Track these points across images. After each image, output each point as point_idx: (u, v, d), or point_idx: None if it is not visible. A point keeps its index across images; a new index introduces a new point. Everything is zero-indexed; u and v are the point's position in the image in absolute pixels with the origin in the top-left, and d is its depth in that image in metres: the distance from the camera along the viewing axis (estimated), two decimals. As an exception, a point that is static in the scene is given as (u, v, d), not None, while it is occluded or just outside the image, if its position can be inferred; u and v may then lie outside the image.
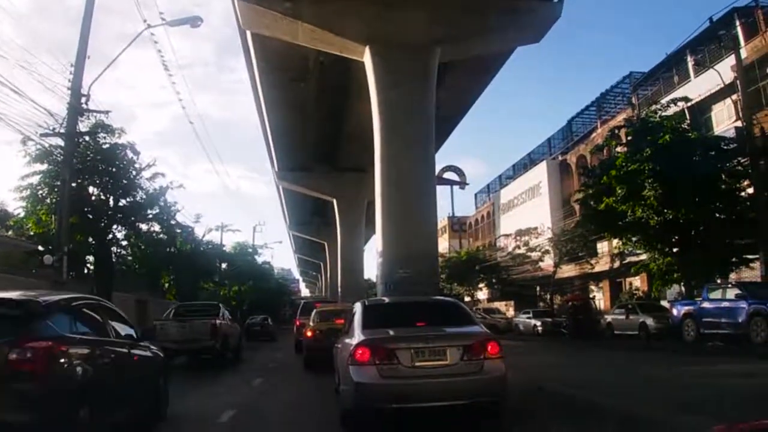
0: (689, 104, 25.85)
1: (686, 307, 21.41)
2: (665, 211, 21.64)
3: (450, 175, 64.80)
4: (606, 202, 22.74)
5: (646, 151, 21.41)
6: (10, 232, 21.35)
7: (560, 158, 49.31)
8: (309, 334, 17.76)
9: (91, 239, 19.85)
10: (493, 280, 49.18)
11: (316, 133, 37.40)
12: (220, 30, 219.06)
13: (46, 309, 6.22)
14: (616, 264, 36.28)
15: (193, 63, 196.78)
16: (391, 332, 8.18)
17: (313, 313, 19.60)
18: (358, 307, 9.58)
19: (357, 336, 8.30)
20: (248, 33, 25.49)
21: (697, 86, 30.91)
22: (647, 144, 21.79)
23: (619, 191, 22.11)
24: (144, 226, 22.36)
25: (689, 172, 20.78)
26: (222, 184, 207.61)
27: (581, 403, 9.03)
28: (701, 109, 31.27)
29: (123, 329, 8.00)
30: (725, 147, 22.82)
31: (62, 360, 5.90)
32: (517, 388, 8.21)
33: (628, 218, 22.54)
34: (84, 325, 6.82)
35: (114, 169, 19.49)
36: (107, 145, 19.56)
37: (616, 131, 25.37)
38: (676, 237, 23.16)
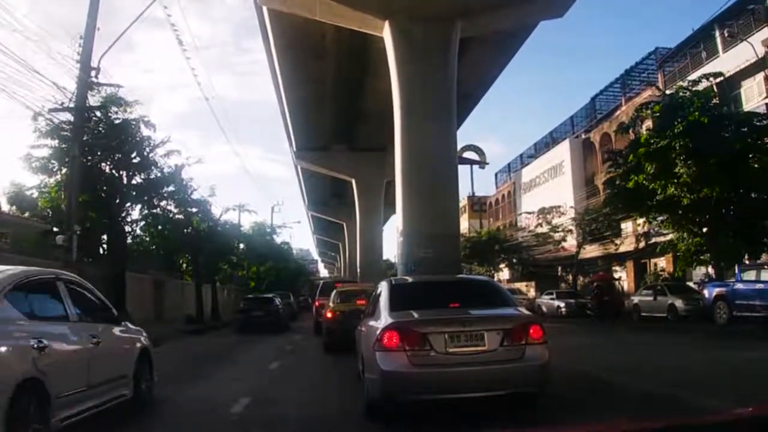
0: (718, 80, 24.87)
1: (718, 289, 20.66)
2: (699, 189, 20.77)
3: (470, 155, 64.03)
4: (635, 180, 21.92)
5: (678, 127, 20.54)
6: (14, 208, 20.90)
7: (583, 136, 48.31)
8: (329, 315, 17.11)
9: (104, 218, 19.22)
10: (514, 260, 48.53)
11: (334, 111, 37.03)
12: (237, 11, 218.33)
13: None
14: (641, 244, 35.46)
15: (210, 45, 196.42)
16: (423, 314, 7.36)
17: (333, 294, 19.11)
18: (384, 287, 8.73)
19: (384, 319, 7.53)
20: (265, 9, 25.06)
21: (726, 62, 29.97)
22: (677, 120, 20.93)
23: (649, 168, 21.27)
24: (160, 205, 21.65)
25: (722, 149, 19.95)
26: (240, 165, 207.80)
27: (626, 391, 8.29)
28: (730, 85, 30.30)
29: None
30: (758, 123, 21.92)
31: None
32: (554, 373, 7.36)
33: (658, 197, 21.65)
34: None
35: (126, 146, 18.84)
36: (119, 120, 18.92)
37: (644, 109, 24.38)
38: (707, 216, 22.33)
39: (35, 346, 5.51)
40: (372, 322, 8.13)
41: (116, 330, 7.83)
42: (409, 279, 10.85)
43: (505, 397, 6.84)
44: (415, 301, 7.93)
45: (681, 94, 22.45)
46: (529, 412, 7.18)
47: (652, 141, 21.32)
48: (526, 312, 8.19)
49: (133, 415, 7.63)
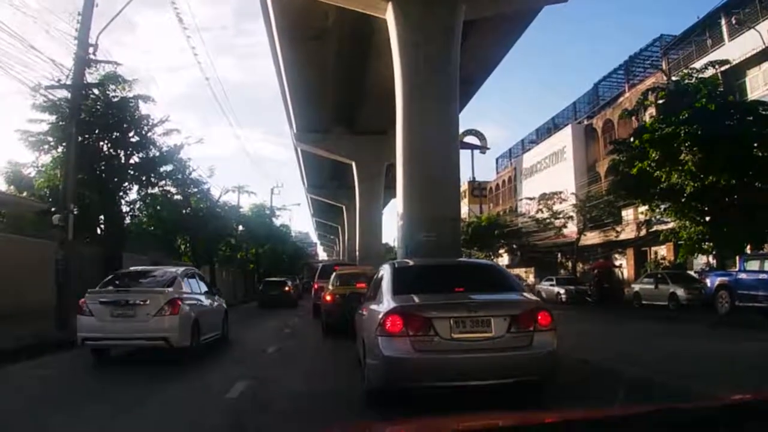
0: (724, 68, 24.59)
1: (721, 278, 20.49)
2: (703, 177, 20.53)
3: (471, 139, 63.51)
4: (639, 166, 21.67)
5: (683, 114, 20.28)
6: (13, 187, 20.61)
7: (586, 122, 48.04)
8: (328, 298, 16.99)
9: (101, 198, 18.92)
10: (514, 246, 48.39)
11: (335, 93, 36.79)
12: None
13: None
14: (642, 232, 35.30)
15: (210, 26, 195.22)
16: (427, 299, 7.12)
17: (332, 277, 18.95)
18: (386, 270, 8.44)
19: (387, 303, 7.25)
20: (265, -13, 24.73)
21: (732, 50, 29.69)
22: (683, 107, 20.67)
23: (653, 155, 21.04)
24: (159, 185, 21.31)
25: (727, 137, 19.72)
26: (240, 147, 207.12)
27: (632, 380, 8.02)
28: (735, 74, 30.03)
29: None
30: (764, 112, 21.66)
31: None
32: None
33: (662, 184, 21.41)
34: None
35: (124, 124, 18.51)
36: (117, 98, 18.58)
37: (650, 94, 24.12)
38: (710, 205, 22.13)
39: (196, 304, 12.45)
40: (374, 306, 7.87)
41: (216, 300, 14.55)
42: (413, 262, 10.38)
43: (509, 385, 6.62)
44: (418, 285, 7.69)
45: (687, 80, 22.17)
46: (533, 401, 6.94)
47: (657, 127, 21.05)
48: (535, 298, 7.92)
49: (222, 345, 13.90)
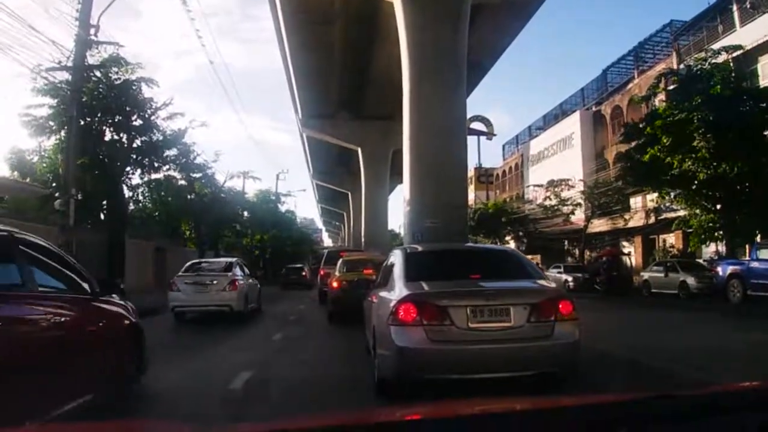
0: (736, 54, 24.13)
1: (733, 267, 20.20)
2: (717, 164, 20.14)
3: (477, 126, 63.13)
4: (650, 152, 21.29)
5: (696, 100, 19.87)
6: (16, 173, 20.36)
7: (594, 109, 47.53)
8: (335, 285, 16.54)
9: (104, 182, 18.60)
10: (521, 233, 48.06)
11: (341, 78, 36.57)
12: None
13: None
14: (651, 220, 34.93)
15: (216, 12, 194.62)
16: (442, 286, 6.75)
17: (338, 263, 18.69)
18: (397, 255, 8.06)
19: (399, 290, 6.89)
20: (271, -29, 24.44)
21: (743, 36, 29.16)
22: (697, 92, 20.26)
23: (665, 141, 20.64)
24: (163, 169, 21.02)
25: (741, 124, 19.34)
26: (245, 133, 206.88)
27: (651, 372, 7.73)
28: (747, 60, 29.56)
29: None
30: None
31: None
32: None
33: (673, 170, 21.03)
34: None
35: (127, 107, 18.15)
36: (119, 81, 18.24)
37: (663, 78, 23.69)
38: (721, 192, 21.77)
39: (245, 283, 17.22)
40: (385, 294, 7.49)
41: (253, 281, 18.55)
42: (426, 247, 9.97)
43: (527, 377, 6.28)
44: (432, 272, 7.33)
45: (700, 65, 21.76)
46: (552, 394, 6.45)
47: (669, 113, 20.65)
48: (556, 286, 7.47)
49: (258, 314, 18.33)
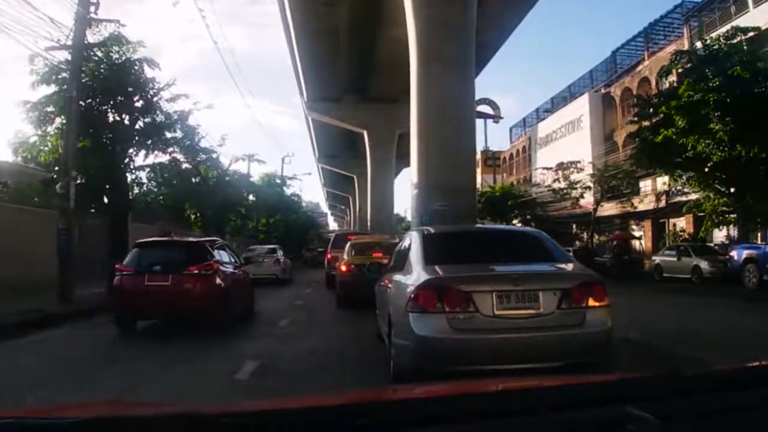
0: (750, 35, 23.52)
1: (748, 251, 19.80)
2: (730, 147, 19.62)
3: (484, 108, 62.36)
4: (664, 134, 20.79)
5: (714, 81, 19.33)
6: (20, 158, 19.92)
7: (603, 91, 46.93)
8: (343, 269, 16.16)
9: (106, 165, 18.16)
10: (528, 216, 47.64)
11: (346, 61, 36.29)
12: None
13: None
14: (662, 203, 34.47)
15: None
16: (465, 270, 6.26)
17: (347, 246, 18.34)
18: (414, 237, 7.50)
19: (418, 274, 6.38)
20: (276, -50, 24.02)
21: (756, 17, 28.52)
22: (714, 73, 19.71)
23: (680, 122, 20.14)
24: (167, 151, 20.56)
25: (759, 106, 18.83)
26: (250, 117, 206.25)
27: (680, 359, 7.30)
28: (760, 42, 28.97)
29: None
30: None
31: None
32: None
33: (687, 153, 20.52)
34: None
35: (129, 87, 17.68)
36: (120, 60, 17.76)
37: (679, 56, 23.10)
38: (736, 175, 21.29)
39: (283, 260, 28.34)
40: (401, 278, 7.01)
41: (286, 258, 29.16)
42: (444, 229, 9.39)
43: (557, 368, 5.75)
44: (453, 254, 6.86)
45: (716, 46, 21.21)
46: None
47: (686, 94, 20.09)
48: (588, 270, 6.91)
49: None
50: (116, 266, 11.68)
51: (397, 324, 6.52)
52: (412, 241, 7.43)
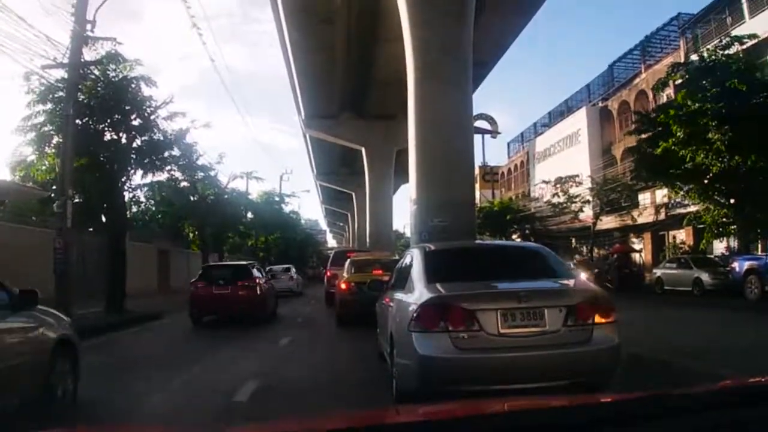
0: (748, 45, 23.55)
1: (750, 262, 19.69)
2: (733, 157, 19.55)
3: (481, 124, 62.38)
4: (663, 146, 20.72)
5: (712, 91, 19.31)
6: (18, 177, 19.83)
7: (601, 104, 47.05)
8: (343, 286, 16.02)
9: (103, 184, 18.05)
10: (527, 231, 47.58)
11: (343, 78, 36.21)
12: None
13: None
14: (661, 216, 34.42)
15: (218, 14, 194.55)
16: (469, 287, 6.11)
17: (346, 263, 18.19)
18: (415, 254, 7.33)
19: (420, 292, 6.23)
20: (272, -32, 24.10)
21: (753, 28, 28.56)
22: (712, 84, 19.70)
23: (679, 134, 20.08)
24: (164, 169, 20.46)
25: (756, 116, 18.80)
26: (248, 134, 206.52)
27: (693, 375, 7.10)
28: (756, 52, 29.04)
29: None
30: None
31: None
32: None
33: (686, 164, 20.44)
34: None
35: (126, 106, 17.60)
36: (117, 78, 17.69)
37: (677, 68, 23.11)
38: (735, 186, 21.21)
39: (296, 278, 36.06)
40: (402, 297, 6.85)
41: (298, 276, 36.14)
42: (445, 245, 9.15)
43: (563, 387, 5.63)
44: (455, 272, 6.71)
45: (713, 57, 21.21)
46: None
47: (685, 103, 20.07)
48: (594, 286, 6.81)
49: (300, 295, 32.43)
50: (191, 281, 17.81)
51: (399, 343, 6.37)
52: (414, 259, 7.28)
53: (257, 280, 17.55)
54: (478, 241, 11.50)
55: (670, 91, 25.17)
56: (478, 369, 5.68)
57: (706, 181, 21.51)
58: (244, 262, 20.56)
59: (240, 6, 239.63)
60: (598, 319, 5.84)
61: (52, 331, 6.31)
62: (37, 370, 5.80)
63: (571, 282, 6.59)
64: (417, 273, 6.74)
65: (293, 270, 35.16)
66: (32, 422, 5.41)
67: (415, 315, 5.87)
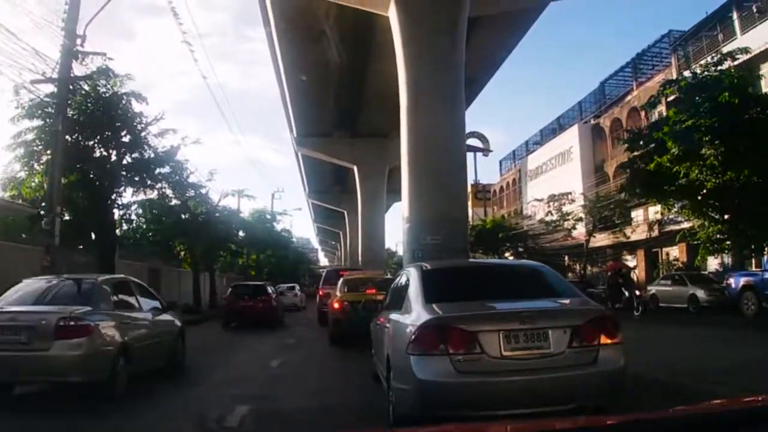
0: (740, 60, 23.58)
1: (746, 279, 19.55)
2: (726, 172, 19.50)
3: (473, 142, 62.47)
4: (657, 161, 20.65)
5: (705, 106, 19.30)
6: (8, 194, 19.57)
7: (593, 122, 47.19)
8: (336, 306, 15.72)
9: (92, 201, 17.77)
10: (520, 249, 47.48)
11: (336, 96, 36.32)
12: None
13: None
14: (654, 233, 34.37)
15: (210, 33, 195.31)
16: (469, 308, 5.88)
17: (339, 282, 17.97)
18: (412, 273, 7.02)
19: (418, 313, 5.99)
20: (265, -13, 24.09)
21: (744, 44, 28.62)
22: (704, 99, 19.69)
23: (673, 149, 20.03)
24: (155, 187, 20.22)
25: (750, 131, 18.79)
26: (240, 152, 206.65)
27: (698, 395, 6.90)
28: (748, 68, 29.17)
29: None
30: None
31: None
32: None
33: (680, 180, 20.36)
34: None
35: (116, 122, 17.35)
36: (108, 94, 17.47)
37: (668, 86, 23.12)
38: (730, 202, 21.14)
39: (300, 294, 42.45)
40: (399, 317, 6.61)
41: (302, 293, 44.35)
42: (443, 264, 8.88)
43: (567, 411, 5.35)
44: (454, 291, 6.48)
45: (706, 72, 21.24)
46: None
47: (678, 119, 20.07)
48: (598, 305, 6.59)
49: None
50: (224, 296, 25.23)
51: (396, 367, 6.13)
52: (410, 278, 7.03)
53: (271, 296, 24.57)
54: (476, 259, 11.23)
55: (662, 108, 25.17)
56: (479, 393, 5.44)
57: (699, 197, 21.49)
58: (261, 282, 27.38)
59: (233, 25, 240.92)
60: (603, 339, 5.63)
61: (177, 323, 11.60)
62: (172, 345, 10.83)
63: (574, 301, 6.34)
64: (414, 293, 6.51)
65: (297, 288, 41.45)
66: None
67: (413, 337, 5.64)
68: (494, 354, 5.40)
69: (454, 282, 6.99)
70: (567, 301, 6.36)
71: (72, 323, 7.70)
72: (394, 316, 6.94)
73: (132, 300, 9.90)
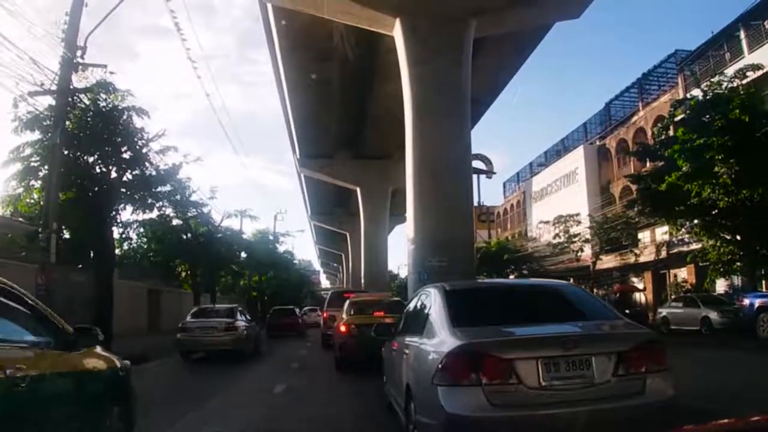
0: (750, 78, 23.26)
1: (761, 300, 18.99)
2: (741, 191, 19.07)
3: (477, 164, 62.30)
4: (669, 180, 20.27)
5: (716, 124, 18.95)
6: (5, 211, 19.18)
7: (598, 143, 46.92)
8: (343, 329, 14.88)
9: (91, 219, 17.26)
10: (525, 272, 47.01)
11: (339, 118, 36.19)
12: (241, 22, 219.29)
13: None
14: (663, 254, 33.91)
15: (214, 55, 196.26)
16: (503, 333, 5.26)
17: (345, 305, 17.36)
18: (434, 294, 6.32)
19: (445, 338, 5.33)
20: (269, 7, 24.03)
21: (751, 63, 28.54)
22: (716, 117, 19.36)
23: (685, 168, 19.64)
24: (156, 206, 19.78)
25: (762, 148, 18.43)
26: (243, 174, 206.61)
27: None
28: (757, 87, 28.87)
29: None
30: None
31: None
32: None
33: (692, 199, 19.93)
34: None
35: (116, 138, 16.94)
36: (108, 108, 17.01)
37: (678, 106, 22.81)
38: (742, 221, 20.69)
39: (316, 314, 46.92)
40: (420, 343, 6.00)
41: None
42: (467, 284, 8.19)
43: None
44: (481, 314, 5.81)
45: (716, 89, 20.95)
46: None
47: (688, 138, 19.73)
48: (644, 328, 5.84)
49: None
50: (268, 317, 36.43)
51: (419, 398, 5.54)
52: (432, 300, 6.36)
53: (299, 316, 37.75)
54: (502, 280, 10.59)
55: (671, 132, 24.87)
56: (515, 429, 4.82)
57: (710, 217, 21.10)
58: (291, 306, 39.61)
59: (237, 47, 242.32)
60: (651, 367, 5.02)
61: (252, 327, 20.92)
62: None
63: (617, 323, 5.69)
64: (438, 315, 5.89)
65: (319, 310, 42.95)
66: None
67: (440, 365, 5.02)
68: (532, 384, 4.79)
69: (480, 304, 6.31)
70: (609, 324, 5.71)
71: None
72: (413, 340, 6.37)
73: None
